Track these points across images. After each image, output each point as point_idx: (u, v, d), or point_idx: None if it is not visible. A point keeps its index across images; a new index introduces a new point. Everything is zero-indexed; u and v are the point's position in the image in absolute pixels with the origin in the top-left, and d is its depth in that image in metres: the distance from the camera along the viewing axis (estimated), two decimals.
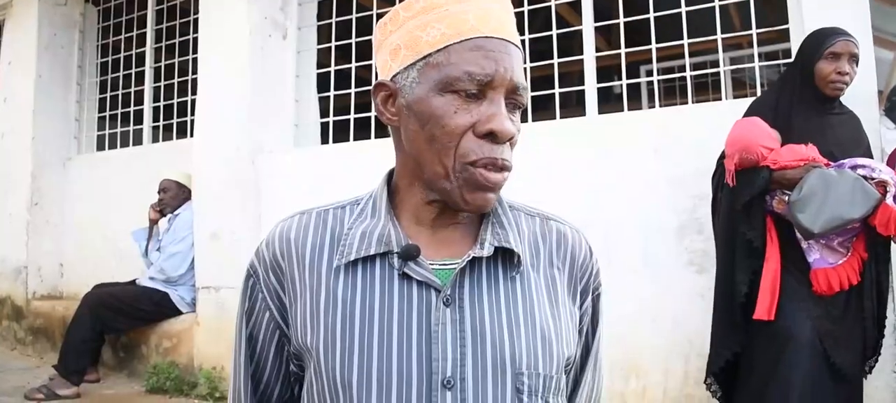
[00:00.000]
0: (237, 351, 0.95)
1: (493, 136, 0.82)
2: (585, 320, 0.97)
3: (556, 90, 3.73)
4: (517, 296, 0.87)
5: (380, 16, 4.30)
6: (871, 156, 2.55)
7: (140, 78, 5.51)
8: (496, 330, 0.83)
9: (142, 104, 5.50)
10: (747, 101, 3.12)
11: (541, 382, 0.84)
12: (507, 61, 0.83)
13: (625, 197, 3.27)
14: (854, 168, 2.44)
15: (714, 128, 2.87)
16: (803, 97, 2.57)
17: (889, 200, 2.38)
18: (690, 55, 3.41)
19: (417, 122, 0.84)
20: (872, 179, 2.40)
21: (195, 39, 4.83)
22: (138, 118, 5.54)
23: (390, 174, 0.94)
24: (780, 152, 2.50)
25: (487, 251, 0.86)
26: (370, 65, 4.20)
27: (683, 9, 3.40)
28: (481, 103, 0.82)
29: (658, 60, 3.54)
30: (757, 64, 3.31)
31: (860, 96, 2.80)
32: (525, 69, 3.75)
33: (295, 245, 0.90)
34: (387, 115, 0.90)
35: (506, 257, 0.88)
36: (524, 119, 3.77)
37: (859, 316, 2.45)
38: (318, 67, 4.57)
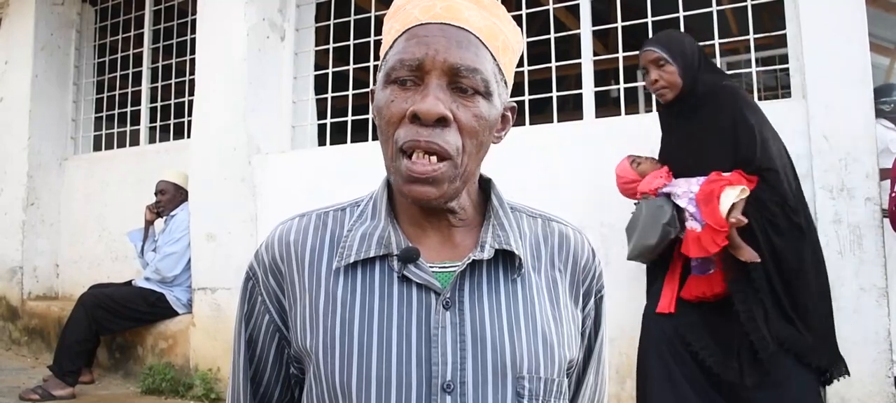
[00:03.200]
0: (236, 354, 0.94)
1: (416, 118, 0.80)
2: (588, 322, 0.96)
3: (554, 94, 3.74)
4: (518, 299, 0.86)
5: (378, 18, 4.31)
6: (749, 154, 2.47)
7: (137, 78, 5.51)
8: (497, 334, 0.83)
9: (139, 105, 5.49)
10: None
11: (542, 385, 0.83)
12: (440, 43, 0.81)
13: (621, 200, 3.26)
14: (670, 195, 2.55)
15: None
16: (670, 109, 2.70)
17: (691, 223, 2.47)
18: None
19: (376, 118, 0.86)
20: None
21: (193, 40, 4.83)
22: (135, 119, 5.53)
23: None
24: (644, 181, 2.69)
25: (488, 254, 0.85)
26: (368, 67, 4.20)
27: (681, 14, 3.41)
28: (418, 90, 0.81)
29: None
30: (754, 69, 3.32)
31: (857, 102, 2.81)
32: (522, 72, 3.78)
33: (294, 247, 0.89)
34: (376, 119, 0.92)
35: (506, 259, 0.87)
36: (521, 122, 3.78)
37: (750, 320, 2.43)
38: (316, 69, 4.57)
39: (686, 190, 2.51)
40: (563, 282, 0.92)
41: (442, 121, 0.80)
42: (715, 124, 2.52)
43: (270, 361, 0.92)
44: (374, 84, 0.91)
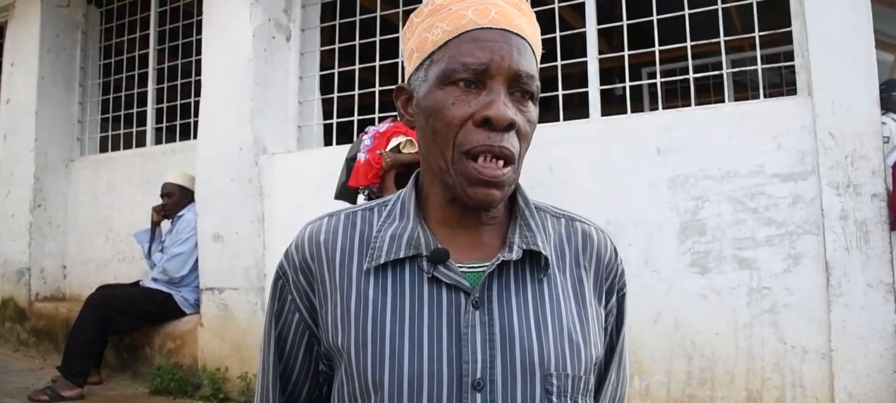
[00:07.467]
0: (266, 352, 0.95)
1: (488, 123, 0.81)
2: (610, 319, 0.97)
3: (560, 92, 3.75)
4: (545, 298, 0.88)
5: (383, 18, 4.33)
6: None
7: (143, 80, 5.53)
8: (525, 332, 0.84)
9: (145, 106, 5.52)
10: (749, 104, 3.12)
11: (570, 383, 0.85)
12: (505, 50, 0.83)
13: (627, 198, 3.28)
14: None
15: (716, 130, 2.88)
16: None
17: (361, 155, 2.95)
18: (693, 57, 3.42)
19: (424, 118, 0.86)
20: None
21: (198, 41, 4.84)
22: (141, 120, 5.56)
23: (418, 176, 0.95)
24: None
25: (516, 254, 0.86)
26: (373, 67, 4.22)
27: (686, 11, 3.42)
28: (481, 93, 0.83)
29: (660, 62, 3.55)
30: (759, 66, 3.33)
31: (863, 98, 2.81)
32: None
33: (325, 247, 0.90)
34: (407, 117, 0.93)
35: (533, 259, 0.89)
36: None
37: None
38: (322, 69, 4.59)
39: (377, 128, 2.96)
40: (588, 281, 0.93)
41: (510, 127, 0.82)
42: None
43: (299, 358, 0.94)
44: (408, 82, 0.92)
